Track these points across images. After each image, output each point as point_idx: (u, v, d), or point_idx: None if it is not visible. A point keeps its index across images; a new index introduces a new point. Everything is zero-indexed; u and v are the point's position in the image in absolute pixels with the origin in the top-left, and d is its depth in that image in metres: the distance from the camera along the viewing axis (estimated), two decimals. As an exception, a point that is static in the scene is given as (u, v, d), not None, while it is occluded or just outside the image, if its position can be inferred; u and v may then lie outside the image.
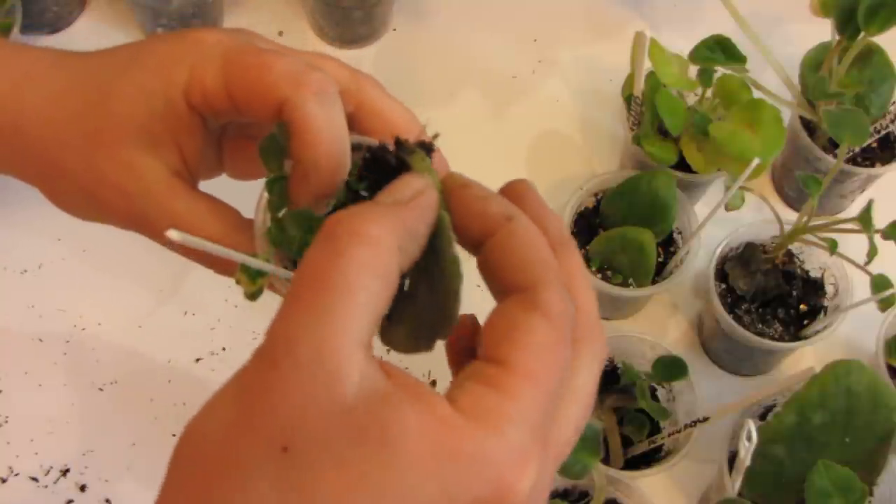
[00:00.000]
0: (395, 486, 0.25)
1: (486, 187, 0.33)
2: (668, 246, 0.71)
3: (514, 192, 0.34)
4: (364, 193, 0.36)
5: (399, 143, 0.35)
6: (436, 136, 0.38)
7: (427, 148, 0.35)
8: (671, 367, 0.62)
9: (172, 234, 0.30)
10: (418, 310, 0.34)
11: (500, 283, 0.31)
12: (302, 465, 0.25)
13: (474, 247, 0.32)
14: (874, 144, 0.73)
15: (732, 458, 0.58)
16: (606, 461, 0.63)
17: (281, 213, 0.37)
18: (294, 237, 0.36)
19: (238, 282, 0.37)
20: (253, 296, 0.37)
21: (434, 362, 0.72)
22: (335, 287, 0.27)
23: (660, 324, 0.74)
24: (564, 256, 0.32)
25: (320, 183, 0.35)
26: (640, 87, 0.68)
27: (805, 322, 0.67)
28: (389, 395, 0.26)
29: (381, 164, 0.35)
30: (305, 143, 0.35)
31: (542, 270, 0.30)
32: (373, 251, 0.28)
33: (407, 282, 0.33)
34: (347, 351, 0.26)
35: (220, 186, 0.43)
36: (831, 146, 0.72)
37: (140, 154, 0.39)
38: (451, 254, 0.32)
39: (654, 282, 0.68)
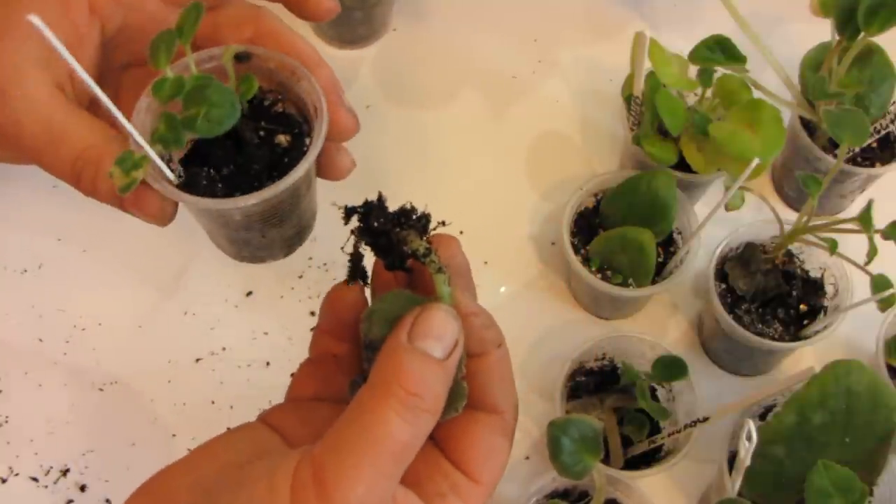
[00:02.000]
0: None
1: (486, 312, 0.40)
2: (668, 246, 0.71)
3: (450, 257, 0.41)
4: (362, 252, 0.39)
5: (410, 238, 0.38)
6: (428, 219, 0.40)
7: (425, 221, 0.39)
8: (671, 367, 0.62)
9: (34, 19, 0.32)
10: None
11: (476, 397, 0.37)
12: None
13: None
14: (874, 144, 0.73)
15: (732, 458, 0.58)
16: (606, 461, 0.63)
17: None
18: (196, 112, 0.36)
19: (111, 175, 0.37)
20: (125, 188, 0.37)
21: (434, 362, 0.72)
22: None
23: (660, 324, 0.74)
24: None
25: None
26: (640, 87, 0.68)
27: (805, 322, 0.67)
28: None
29: (377, 231, 0.38)
30: None
31: (512, 396, 0.38)
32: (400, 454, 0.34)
33: None
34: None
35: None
36: (831, 146, 0.72)
37: (26, 59, 0.38)
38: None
39: (654, 282, 0.68)
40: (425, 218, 0.37)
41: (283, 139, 0.42)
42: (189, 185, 0.39)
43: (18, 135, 0.38)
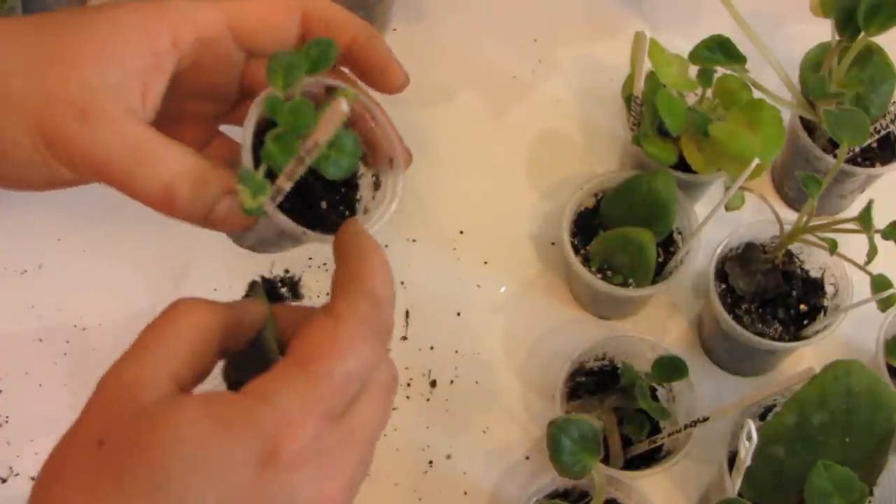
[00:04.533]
0: (181, 455, 0.31)
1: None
2: (668, 246, 0.71)
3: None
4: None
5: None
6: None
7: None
8: (671, 368, 0.62)
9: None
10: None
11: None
12: (111, 454, 0.32)
13: None
14: (874, 144, 0.73)
15: (732, 458, 0.58)
16: (606, 461, 0.63)
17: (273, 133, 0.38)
18: (325, 153, 0.38)
19: (240, 193, 0.38)
20: (252, 212, 0.38)
21: (434, 363, 0.72)
22: (150, 340, 0.35)
23: (660, 324, 0.74)
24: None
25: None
26: (640, 87, 0.68)
27: (805, 322, 0.67)
28: (180, 399, 0.33)
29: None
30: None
31: (345, 284, 0.37)
32: (194, 322, 0.36)
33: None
34: (151, 379, 0.34)
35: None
36: (831, 146, 0.72)
37: (102, 79, 0.38)
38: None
39: (654, 282, 0.68)
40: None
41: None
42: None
43: (106, 158, 0.37)
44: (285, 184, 0.38)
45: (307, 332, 0.35)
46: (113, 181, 0.38)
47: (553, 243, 0.77)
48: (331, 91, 0.41)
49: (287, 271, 0.72)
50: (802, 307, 0.68)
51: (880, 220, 0.60)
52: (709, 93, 0.69)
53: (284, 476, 0.32)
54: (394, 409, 0.69)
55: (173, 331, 0.36)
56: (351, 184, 0.43)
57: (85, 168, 0.38)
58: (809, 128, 0.72)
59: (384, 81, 0.43)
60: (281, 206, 0.39)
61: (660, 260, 0.69)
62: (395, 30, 0.86)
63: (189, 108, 0.45)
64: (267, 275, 0.72)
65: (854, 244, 0.63)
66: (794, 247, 0.69)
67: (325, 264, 0.74)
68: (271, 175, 0.38)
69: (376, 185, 0.43)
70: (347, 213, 0.43)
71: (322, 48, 0.39)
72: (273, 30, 0.42)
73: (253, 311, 0.39)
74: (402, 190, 0.42)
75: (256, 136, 0.39)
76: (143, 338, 0.36)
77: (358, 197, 0.44)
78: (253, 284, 0.41)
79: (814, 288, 0.69)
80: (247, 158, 0.38)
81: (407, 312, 0.74)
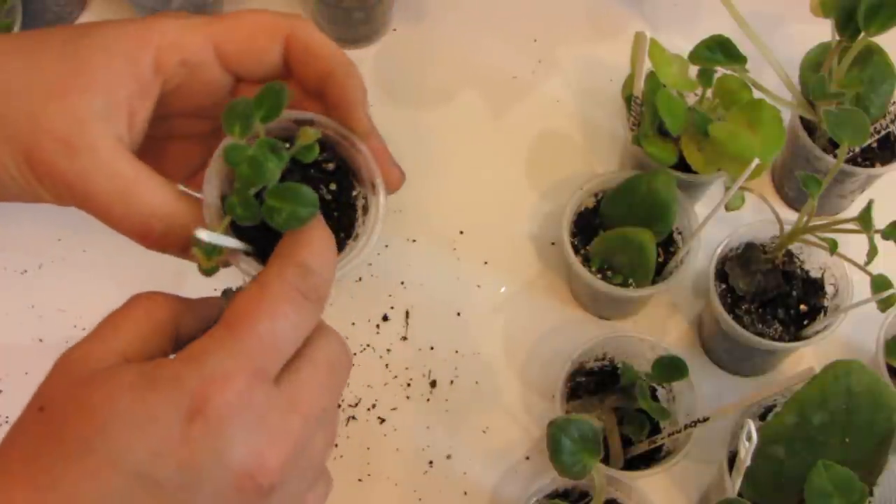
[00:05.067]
0: (113, 415, 0.32)
1: None
2: (668, 246, 0.71)
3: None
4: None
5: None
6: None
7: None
8: (671, 368, 0.62)
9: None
10: None
11: None
12: (51, 419, 0.34)
13: None
14: (874, 144, 0.73)
15: (732, 458, 0.58)
16: (606, 461, 0.63)
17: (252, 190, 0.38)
18: (282, 208, 0.38)
19: (195, 256, 0.38)
20: (208, 272, 0.39)
21: (434, 363, 0.72)
22: (107, 325, 0.37)
23: (660, 324, 0.74)
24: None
25: (364, 108, 0.42)
26: (640, 87, 0.68)
27: (805, 322, 0.67)
28: (118, 367, 0.35)
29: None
30: (350, 74, 0.42)
31: (276, 257, 0.37)
32: (147, 311, 0.38)
33: None
34: (98, 355, 0.36)
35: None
36: (831, 146, 0.72)
37: (89, 109, 0.38)
38: None
39: (654, 282, 0.68)
40: None
41: (325, 191, 0.43)
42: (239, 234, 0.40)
43: (87, 190, 0.38)
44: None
45: (236, 301, 0.36)
46: (94, 213, 0.39)
47: (553, 243, 0.77)
48: (301, 124, 0.41)
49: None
50: (802, 307, 0.68)
51: (880, 220, 0.60)
52: (709, 93, 0.69)
53: (213, 430, 0.32)
54: (393, 409, 0.70)
55: (126, 317, 0.37)
56: (348, 204, 0.43)
57: (68, 198, 0.39)
58: (809, 128, 0.72)
59: (347, 123, 0.42)
60: (268, 231, 0.39)
61: (660, 260, 0.69)
62: (395, 30, 0.86)
63: (178, 127, 0.45)
64: None
65: (854, 244, 0.63)
66: (794, 247, 0.69)
67: (325, 264, 0.75)
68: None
69: (364, 209, 0.43)
70: (343, 235, 0.42)
71: (274, 96, 0.39)
72: (257, 54, 0.42)
73: (210, 305, 0.40)
74: (384, 215, 0.42)
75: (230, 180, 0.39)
76: (99, 325, 0.38)
77: (357, 218, 0.44)
78: (226, 292, 0.41)
79: (814, 288, 0.69)
80: (208, 216, 0.38)
81: (407, 312, 0.74)
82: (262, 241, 0.40)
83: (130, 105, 0.39)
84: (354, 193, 0.44)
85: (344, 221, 0.43)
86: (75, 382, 0.35)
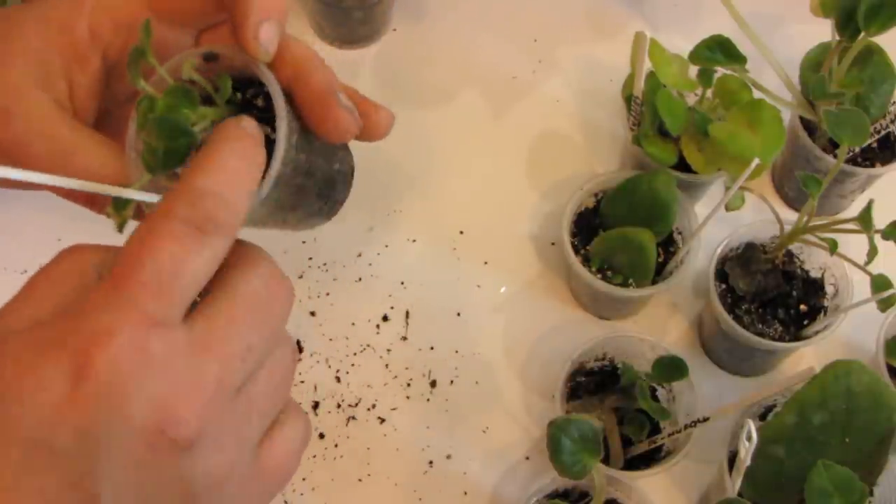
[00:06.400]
0: (3, 388, 0.30)
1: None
2: (668, 246, 0.71)
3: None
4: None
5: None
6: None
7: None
8: (671, 368, 0.62)
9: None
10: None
11: None
12: None
13: None
14: (874, 144, 0.73)
15: (732, 458, 0.58)
16: (606, 461, 0.63)
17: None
18: (157, 147, 0.35)
19: (108, 215, 0.36)
20: (120, 227, 0.37)
21: (434, 363, 0.72)
22: (29, 285, 0.33)
23: (660, 324, 0.74)
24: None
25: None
26: (640, 87, 0.68)
27: (805, 322, 0.67)
28: (10, 334, 0.31)
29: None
30: None
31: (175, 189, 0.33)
32: (69, 269, 0.34)
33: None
34: (13, 321, 0.32)
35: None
36: (831, 146, 0.72)
37: (26, 78, 0.37)
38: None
39: (654, 282, 0.68)
40: None
41: (270, 131, 0.41)
42: None
43: (24, 154, 0.37)
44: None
45: (123, 247, 0.33)
46: (35, 180, 0.37)
47: (553, 243, 0.77)
48: (208, 60, 0.39)
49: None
50: (802, 307, 0.68)
51: (880, 220, 0.60)
52: (709, 93, 0.69)
53: (104, 388, 0.30)
54: (393, 409, 0.70)
55: (51, 275, 0.34)
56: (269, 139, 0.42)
57: (8, 163, 0.37)
58: (809, 128, 0.72)
59: (239, 41, 0.38)
60: None
61: (660, 260, 0.69)
62: (395, 30, 0.86)
63: (132, 107, 0.44)
64: None
65: (854, 244, 0.63)
66: (794, 247, 0.69)
67: (324, 264, 0.75)
68: None
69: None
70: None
71: (144, 27, 0.36)
72: (192, 2, 0.40)
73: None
74: (284, 142, 0.39)
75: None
76: (25, 284, 0.34)
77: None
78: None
79: (814, 288, 0.69)
80: (132, 165, 0.37)
81: (407, 312, 0.74)
82: None
83: (68, 72, 0.38)
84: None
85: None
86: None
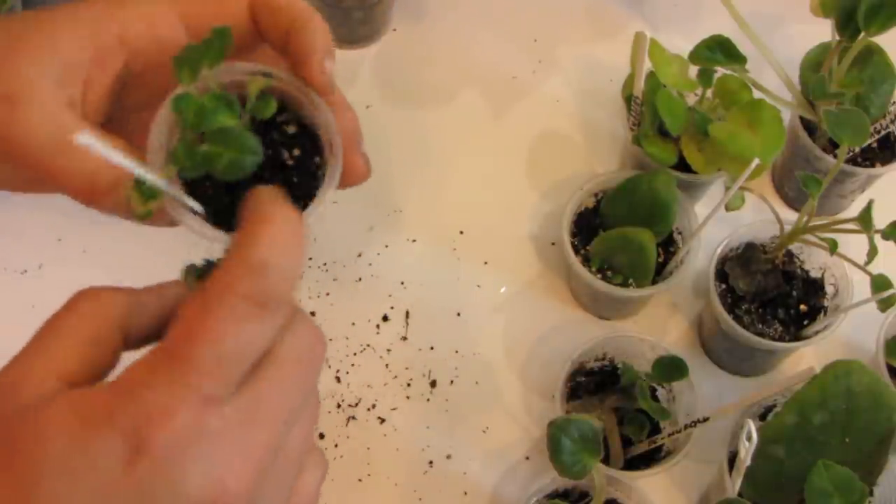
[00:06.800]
0: (47, 459, 0.30)
1: None
2: (668, 246, 0.71)
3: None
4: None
5: None
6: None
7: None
8: (671, 368, 0.62)
9: (81, 138, 0.32)
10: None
11: None
12: None
13: None
14: (874, 144, 0.73)
15: (732, 458, 0.58)
16: (606, 461, 0.63)
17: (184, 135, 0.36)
18: (219, 153, 0.35)
19: (128, 199, 0.36)
20: (142, 216, 0.36)
21: (434, 363, 0.72)
22: (46, 334, 0.34)
23: (660, 324, 0.74)
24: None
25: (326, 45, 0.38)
26: (640, 87, 0.68)
27: (805, 322, 0.67)
28: (52, 400, 0.31)
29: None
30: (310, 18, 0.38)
31: (228, 255, 0.33)
32: (92, 312, 0.35)
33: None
34: (37, 377, 0.33)
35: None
36: (831, 146, 0.72)
37: (41, 73, 0.37)
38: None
39: (654, 282, 0.68)
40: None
41: (288, 156, 0.41)
42: (194, 196, 0.38)
43: (28, 146, 0.37)
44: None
45: (179, 314, 0.32)
46: (36, 168, 0.37)
47: (553, 243, 0.77)
48: (253, 78, 0.39)
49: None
50: (802, 307, 0.68)
51: (880, 220, 0.60)
52: (709, 93, 0.69)
53: (160, 467, 0.30)
54: (393, 409, 0.70)
55: (64, 327, 0.34)
56: (308, 171, 0.41)
57: (9, 153, 0.37)
58: (809, 128, 0.72)
59: (303, 74, 0.39)
60: (219, 199, 0.37)
61: (660, 260, 0.69)
62: (395, 30, 0.86)
63: (139, 117, 0.44)
64: None
65: (854, 244, 0.63)
66: (794, 247, 0.69)
67: (324, 264, 0.75)
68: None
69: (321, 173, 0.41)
70: (302, 204, 0.39)
71: (219, 37, 0.36)
72: (224, 20, 0.40)
73: (166, 296, 0.37)
74: (336, 180, 0.39)
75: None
76: (39, 332, 0.34)
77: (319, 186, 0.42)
78: (188, 269, 0.38)
79: (814, 288, 0.69)
80: (151, 159, 0.36)
81: (407, 312, 0.74)
82: (221, 206, 0.38)
83: (87, 73, 0.38)
84: (317, 160, 0.41)
85: (304, 189, 0.40)
86: (5, 419, 0.32)
